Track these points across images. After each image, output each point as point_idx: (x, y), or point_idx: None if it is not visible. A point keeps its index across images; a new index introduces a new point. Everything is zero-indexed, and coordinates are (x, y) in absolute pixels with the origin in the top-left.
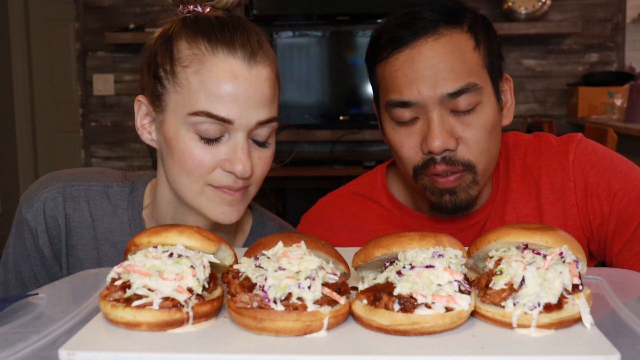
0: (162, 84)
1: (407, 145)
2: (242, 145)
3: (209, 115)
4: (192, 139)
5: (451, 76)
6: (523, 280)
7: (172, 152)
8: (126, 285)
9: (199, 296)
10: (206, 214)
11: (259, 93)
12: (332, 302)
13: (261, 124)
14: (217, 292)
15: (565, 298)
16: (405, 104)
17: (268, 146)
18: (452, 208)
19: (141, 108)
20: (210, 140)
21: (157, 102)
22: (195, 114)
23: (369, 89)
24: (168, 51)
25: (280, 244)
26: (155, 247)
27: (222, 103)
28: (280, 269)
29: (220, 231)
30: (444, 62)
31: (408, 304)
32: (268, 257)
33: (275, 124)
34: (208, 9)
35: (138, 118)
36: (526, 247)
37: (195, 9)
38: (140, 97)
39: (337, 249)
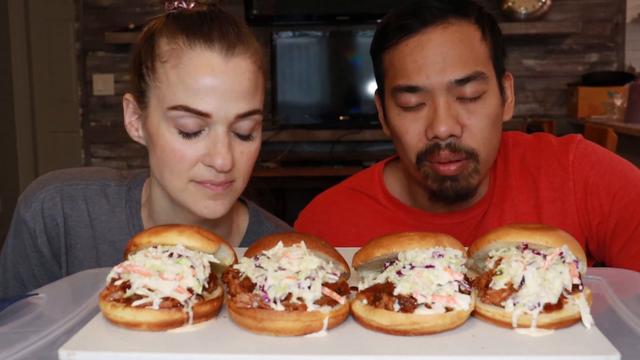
0: (145, 81)
1: (412, 130)
2: (221, 139)
3: (187, 109)
4: (173, 134)
5: (459, 63)
6: (523, 280)
7: (154, 147)
8: (126, 285)
9: (199, 296)
10: (191, 209)
11: (237, 86)
12: (332, 302)
13: (241, 116)
14: (217, 292)
15: (565, 298)
16: (412, 89)
17: (252, 140)
18: (452, 195)
19: (129, 106)
20: (189, 135)
21: (141, 98)
22: (174, 108)
23: (369, 89)
24: (150, 48)
25: (280, 244)
26: (155, 247)
27: (200, 97)
28: (280, 269)
29: (216, 230)
30: (453, 50)
31: (408, 304)
32: (268, 257)
33: (258, 117)
34: (192, 5)
35: (126, 116)
36: (526, 247)
37: (180, 5)
38: (128, 95)
39: (337, 249)
